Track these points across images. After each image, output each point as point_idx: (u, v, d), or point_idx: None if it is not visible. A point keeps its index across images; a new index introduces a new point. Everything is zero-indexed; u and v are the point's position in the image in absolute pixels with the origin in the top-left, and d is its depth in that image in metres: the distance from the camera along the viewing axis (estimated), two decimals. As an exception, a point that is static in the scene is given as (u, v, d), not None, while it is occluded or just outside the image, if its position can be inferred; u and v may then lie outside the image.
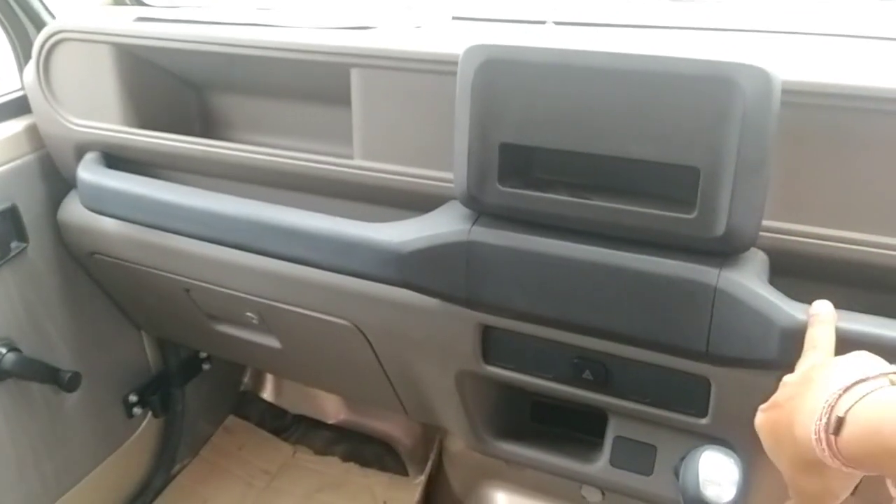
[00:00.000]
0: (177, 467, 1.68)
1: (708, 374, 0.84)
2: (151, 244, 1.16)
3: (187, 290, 1.22)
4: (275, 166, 1.02)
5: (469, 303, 0.90)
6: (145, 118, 1.16)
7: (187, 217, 1.03)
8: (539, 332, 0.91)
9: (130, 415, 1.51)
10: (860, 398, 0.53)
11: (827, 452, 0.54)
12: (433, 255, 0.88)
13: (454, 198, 0.89)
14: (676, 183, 0.76)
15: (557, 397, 0.98)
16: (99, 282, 1.37)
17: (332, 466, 1.70)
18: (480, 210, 0.86)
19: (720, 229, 0.73)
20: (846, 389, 0.54)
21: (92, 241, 1.24)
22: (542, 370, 0.95)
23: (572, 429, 1.10)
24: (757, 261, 0.78)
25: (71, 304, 1.35)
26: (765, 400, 0.66)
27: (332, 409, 1.77)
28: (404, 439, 1.69)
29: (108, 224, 1.19)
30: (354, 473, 1.68)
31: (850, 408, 0.53)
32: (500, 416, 1.11)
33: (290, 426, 1.79)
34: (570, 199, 0.80)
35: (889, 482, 0.57)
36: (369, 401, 1.40)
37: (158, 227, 1.08)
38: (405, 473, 1.66)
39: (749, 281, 0.75)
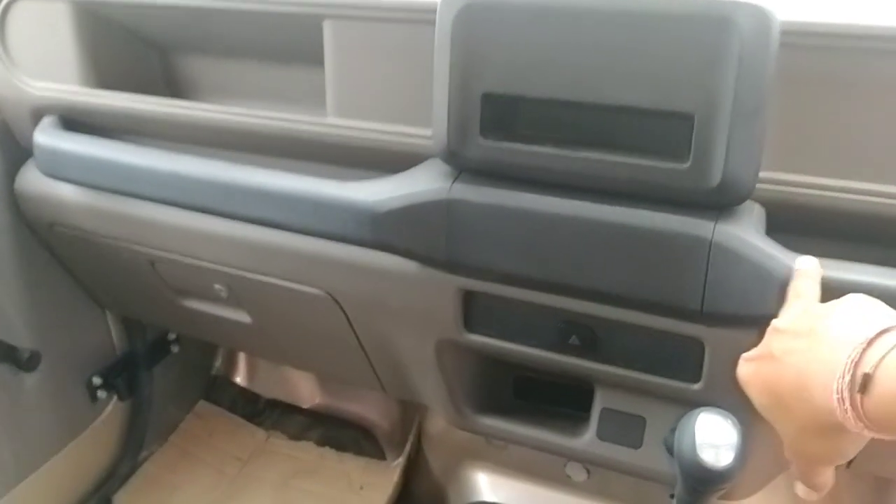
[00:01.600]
0: (144, 454, 1.61)
1: (701, 336, 0.80)
2: (114, 213, 1.10)
3: (152, 263, 1.16)
4: (244, 127, 0.97)
5: (449, 265, 0.85)
6: (106, 81, 1.10)
7: (151, 180, 0.97)
8: (523, 296, 0.86)
9: (94, 398, 1.45)
10: (888, 351, 0.46)
11: (850, 414, 0.47)
12: (411, 215, 0.84)
13: (433, 156, 0.85)
14: (668, 132, 0.71)
15: (542, 367, 0.94)
16: (60, 256, 1.30)
17: (307, 452, 1.65)
18: (461, 166, 0.82)
19: (715, 179, 0.69)
20: (870, 342, 0.47)
21: (51, 212, 1.18)
22: (527, 337, 0.91)
23: (557, 404, 1.06)
24: (754, 214, 0.74)
25: (30, 281, 1.28)
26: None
27: (306, 393, 1.72)
28: (381, 422, 1.64)
29: (68, 192, 1.12)
30: (330, 458, 1.63)
31: (878, 362, 0.46)
32: (482, 391, 1.07)
33: (263, 411, 1.73)
34: (557, 151, 0.75)
35: None
36: (345, 378, 1.35)
37: (121, 193, 1.02)
38: (382, 457, 1.61)
39: (746, 234, 0.71)
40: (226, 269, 1.07)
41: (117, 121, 1.06)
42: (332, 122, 0.92)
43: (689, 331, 0.80)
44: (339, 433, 1.66)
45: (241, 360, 1.77)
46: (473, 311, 0.92)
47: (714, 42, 0.66)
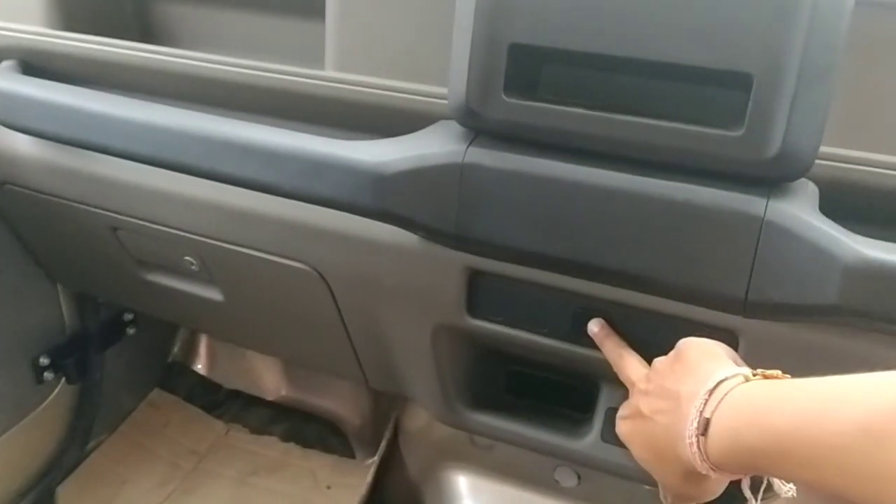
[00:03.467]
0: (92, 443, 1.49)
1: (737, 328, 0.72)
2: (74, 171, 0.99)
3: (115, 230, 1.05)
4: (229, 79, 0.87)
5: (458, 239, 0.76)
6: (73, 24, 0.99)
7: (120, 130, 0.86)
8: (537, 278, 0.78)
9: (40, 380, 1.32)
10: (723, 396, 0.54)
11: (698, 457, 0.54)
12: (419, 180, 0.74)
13: (447, 117, 0.76)
14: (721, 95, 0.64)
15: (546, 358, 0.86)
16: (8, 220, 1.18)
17: (270, 447, 1.54)
18: (479, 127, 0.73)
19: (773, 149, 0.62)
20: (711, 392, 0.55)
21: (2, 169, 1.06)
22: (536, 324, 0.82)
23: (553, 402, 0.98)
24: (808, 192, 0.67)
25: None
26: (797, 358, 0.61)
27: (271, 384, 1.61)
28: (352, 418, 1.54)
29: (24, 146, 1.01)
30: (294, 455, 1.52)
31: (715, 407, 0.53)
32: (475, 384, 0.98)
33: (223, 402, 1.62)
34: (590, 113, 0.67)
35: (775, 481, 0.59)
36: (321, 366, 1.24)
37: (84, 145, 0.91)
38: (352, 456, 1.51)
39: (803, 212, 0.64)
40: (199, 238, 0.97)
41: (84, 68, 0.95)
42: (331, 77, 0.83)
43: (722, 321, 0.73)
44: (305, 428, 1.56)
45: (202, 345, 1.65)
46: (479, 293, 0.83)
47: (783, -8, 0.59)
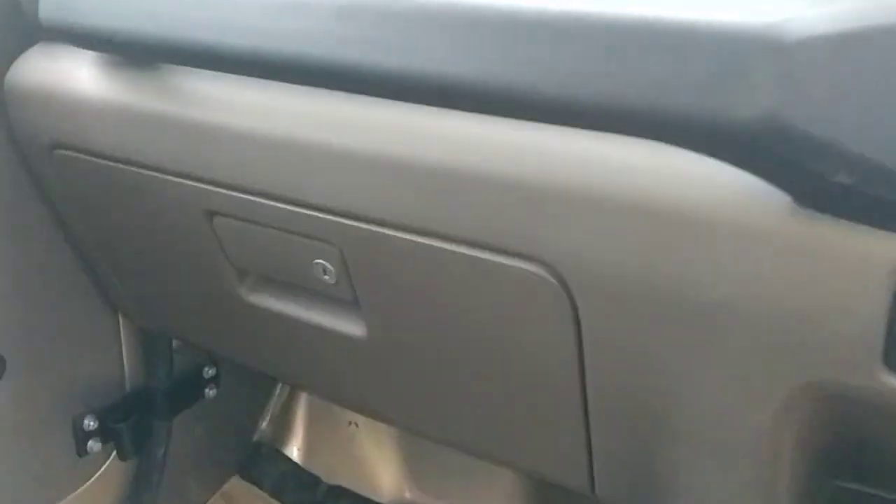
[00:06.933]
0: (144, 546, 1.09)
1: None
2: (155, 116, 0.64)
3: (211, 216, 0.68)
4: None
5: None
6: None
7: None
8: None
9: (83, 451, 0.96)
10: None
11: None
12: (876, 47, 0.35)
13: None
14: None
15: None
16: (60, 208, 0.83)
17: (381, 570, 1.11)
18: None
19: None
20: None
21: (57, 119, 0.71)
22: None
23: None
24: None
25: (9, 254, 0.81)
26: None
27: (389, 481, 1.20)
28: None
29: (86, 85, 0.68)
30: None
31: None
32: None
33: (322, 502, 1.20)
34: None
35: None
36: (503, 456, 0.77)
37: (172, 58, 0.55)
38: None
39: None
40: (347, 223, 0.58)
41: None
42: None
43: None
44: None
45: (299, 420, 1.25)
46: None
47: None
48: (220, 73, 0.61)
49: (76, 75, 0.69)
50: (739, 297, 0.45)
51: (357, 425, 1.22)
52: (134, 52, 0.60)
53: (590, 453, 0.61)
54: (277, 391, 1.25)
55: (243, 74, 0.56)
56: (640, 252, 0.47)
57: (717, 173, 0.43)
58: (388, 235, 0.57)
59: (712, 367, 0.49)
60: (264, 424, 1.27)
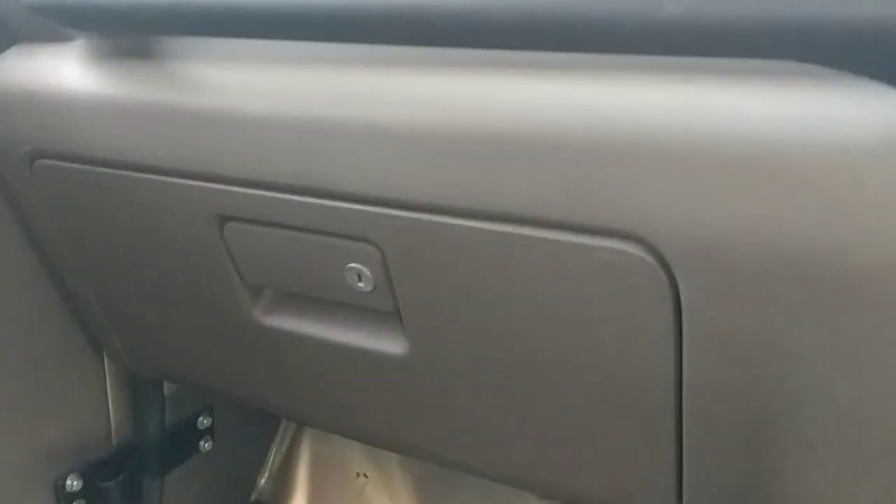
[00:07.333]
0: None
1: None
2: (154, 107, 0.55)
3: (222, 220, 0.59)
4: None
5: None
6: None
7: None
8: None
9: (63, 515, 0.83)
10: None
11: None
12: None
13: None
14: None
15: None
16: (40, 235, 0.73)
17: None
18: None
19: None
20: None
21: (40, 121, 0.62)
22: None
23: None
24: None
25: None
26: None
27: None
28: None
29: (73, 79, 0.59)
30: None
31: None
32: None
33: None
34: None
35: None
36: (572, 491, 0.66)
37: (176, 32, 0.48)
38: None
39: None
40: (392, 214, 0.50)
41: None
42: None
43: None
44: None
45: (301, 472, 1.13)
46: None
47: None
48: (224, 56, 0.54)
49: (61, 73, 0.61)
50: (893, 261, 0.37)
51: (366, 476, 1.11)
52: (133, 25, 0.52)
53: (679, 472, 0.52)
54: (277, 440, 1.13)
55: (259, 36, 0.48)
56: (763, 215, 0.39)
57: (857, 113, 0.36)
58: (438, 223, 0.49)
59: (854, 352, 0.41)
60: (262, 481, 1.15)
